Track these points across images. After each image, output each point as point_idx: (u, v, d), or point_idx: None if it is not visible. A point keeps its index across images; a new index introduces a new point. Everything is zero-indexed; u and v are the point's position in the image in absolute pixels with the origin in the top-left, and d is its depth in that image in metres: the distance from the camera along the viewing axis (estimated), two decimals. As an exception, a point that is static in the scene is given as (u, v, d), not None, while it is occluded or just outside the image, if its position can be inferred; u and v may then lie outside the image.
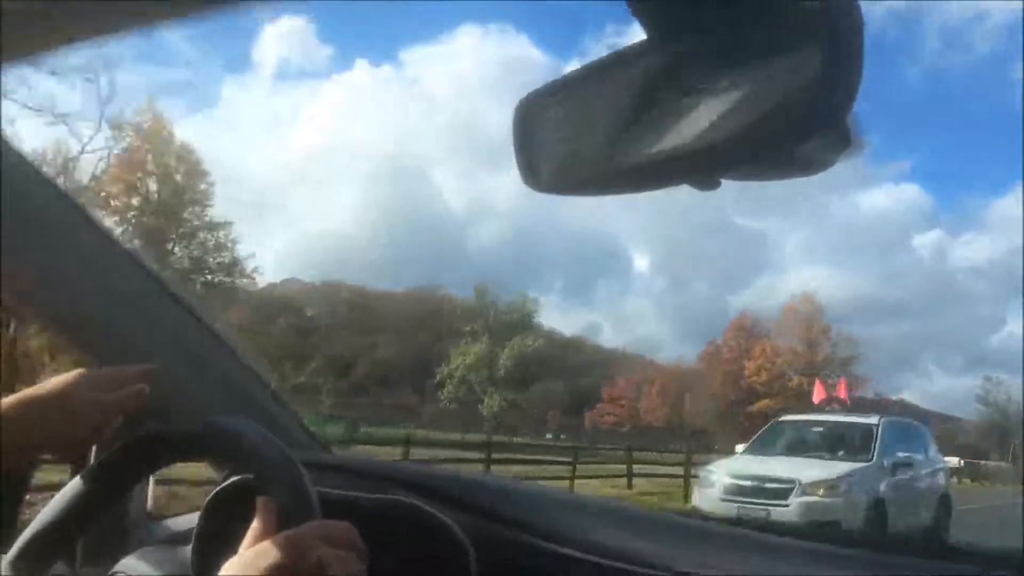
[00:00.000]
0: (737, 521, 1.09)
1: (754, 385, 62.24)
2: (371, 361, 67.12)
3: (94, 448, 1.05)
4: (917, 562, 0.98)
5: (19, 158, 0.99)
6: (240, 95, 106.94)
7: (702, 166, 0.60)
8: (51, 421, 0.86)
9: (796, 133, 0.56)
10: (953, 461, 36.45)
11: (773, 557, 0.96)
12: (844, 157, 0.61)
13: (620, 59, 0.64)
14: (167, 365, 1.18)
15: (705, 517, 1.06)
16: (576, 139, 0.70)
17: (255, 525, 0.74)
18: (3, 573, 0.92)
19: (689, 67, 0.60)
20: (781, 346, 63.43)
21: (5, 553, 0.94)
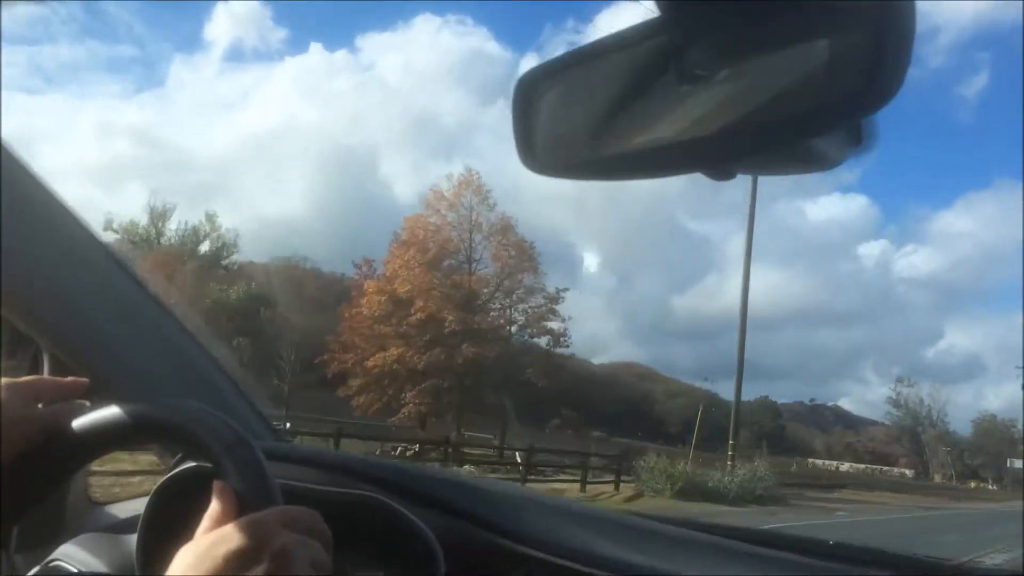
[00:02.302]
0: (704, 525, 1.08)
1: (358, 329, 34.60)
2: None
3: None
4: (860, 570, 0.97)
5: None
6: (190, 75, 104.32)
7: (706, 156, 0.58)
8: None
9: (815, 126, 0.53)
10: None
11: (735, 560, 0.95)
12: (854, 155, 0.59)
13: (626, 38, 0.61)
14: (116, 341, 1.12)
15: (681, 522, 1.05)
16: (575, 120, 0.67)
17: (212, 510, 0.68)
18: None
19: (697, 51, 0.57)
20: (414, 259, 33.58)
21: None
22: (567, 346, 37.99)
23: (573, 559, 0.89)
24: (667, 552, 0.95)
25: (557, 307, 35.90)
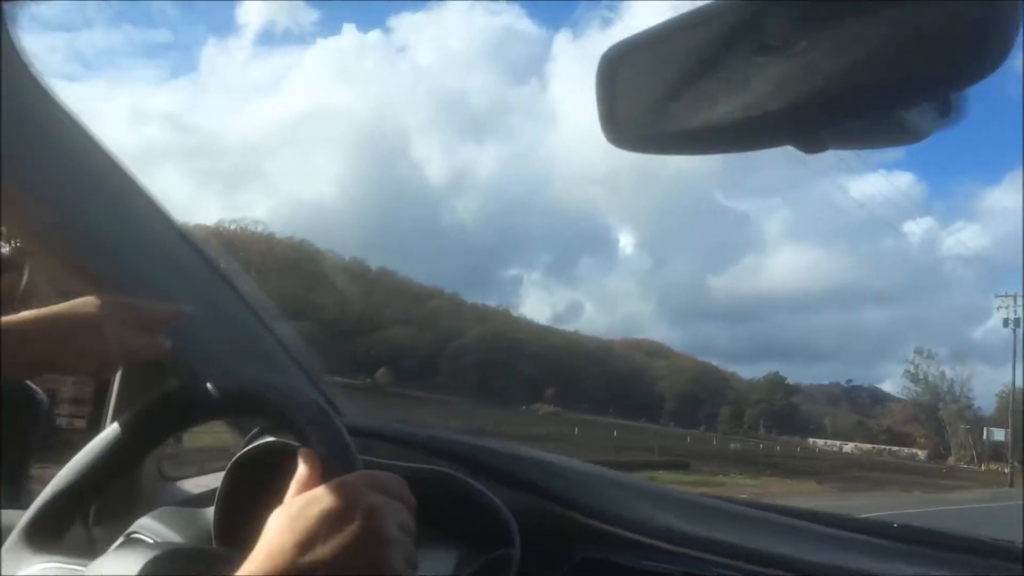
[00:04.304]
0: (778, 508, 1.09)
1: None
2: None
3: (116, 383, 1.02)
4: (947, 555, 0.97)
5: (54, 106, 0.96)
6: (223, 59, 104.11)
7: (795, 126, 0.58)
8: (73, 340, 0.82)
9: (913, 95, 0.53)
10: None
11: (808, 543, 0.96)
12: (942, 127, 0.59)
13: (707, 12, 0.62)
14: (192, 320, 1.14)
15: (746, 502, 1.07)
16: (658, 93, 0.67)
17: (299, 474, 0.71)
18: (17, 537, 0.88)
19: (775, 20, 0.57)
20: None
21: (23, 508, 0.90)
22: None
23: (646, 534, 0.90)
24: (743, 531, 0.95)
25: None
